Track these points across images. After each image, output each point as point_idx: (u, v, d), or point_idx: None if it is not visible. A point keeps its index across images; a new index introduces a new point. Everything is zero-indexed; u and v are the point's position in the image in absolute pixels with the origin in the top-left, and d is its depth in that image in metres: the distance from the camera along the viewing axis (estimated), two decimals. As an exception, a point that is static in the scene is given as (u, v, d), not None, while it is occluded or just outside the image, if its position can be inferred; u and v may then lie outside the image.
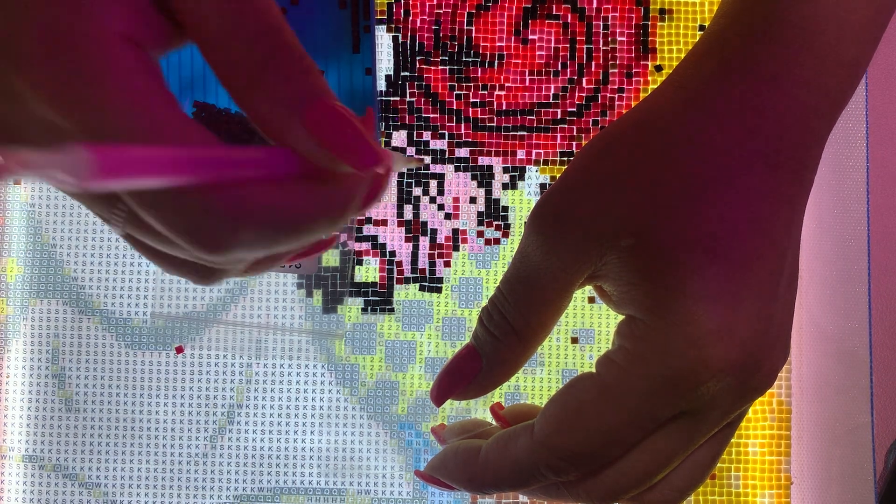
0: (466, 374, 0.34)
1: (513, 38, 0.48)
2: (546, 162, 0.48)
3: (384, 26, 0.48)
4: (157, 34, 0.25)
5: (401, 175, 0.48)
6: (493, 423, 0.39)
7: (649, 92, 0.48)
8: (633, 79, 0.48)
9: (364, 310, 0.48)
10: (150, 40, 0.25)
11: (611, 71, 0.48)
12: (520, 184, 0.48)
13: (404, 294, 0.48)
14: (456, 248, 0.48)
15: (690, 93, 0.31)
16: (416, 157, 0.47)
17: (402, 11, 0.48)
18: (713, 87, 0.31)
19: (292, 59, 0.25)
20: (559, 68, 0.48)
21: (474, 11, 0.48)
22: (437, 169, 0.48)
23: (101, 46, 0.24)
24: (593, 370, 0.31)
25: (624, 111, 0.48)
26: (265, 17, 0.25)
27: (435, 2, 0.48)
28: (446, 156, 0.48)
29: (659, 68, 0.48)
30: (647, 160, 0.30)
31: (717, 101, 0.30)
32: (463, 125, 0.48)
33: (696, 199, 0.29)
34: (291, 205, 0.25)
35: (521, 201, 0.48)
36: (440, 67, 0.48)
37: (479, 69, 0.48)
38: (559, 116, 0.48)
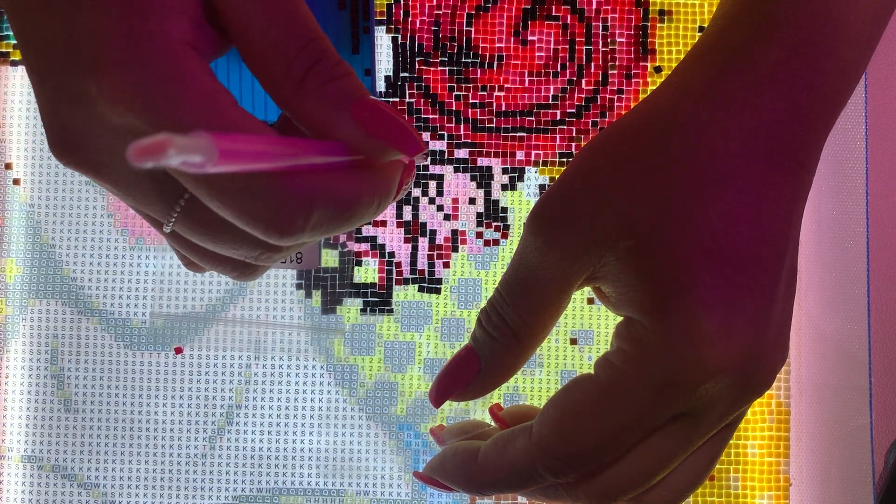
0: (465, 376, 0.34)
1: (512, 39, 0.48)
2: (545, 163, 0.48)
3: (384, 27, 0.48)
4: (209, 43, 0.28)
5: (400, 176, 0.48)
6: (492, 424, 0.39)
7: (649, 93, 0.48)
8: (633, 80, 0.48)
9: (363, 310, 0.48)
10: (204, 49, 0.28)
11: (610, 72, 0.48)
12: (519, 185, 0.48)
13: (403, 295, 0.48)
14: (455, 249, 0.48)
15: (690, 94, 0.31)
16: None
17: (401, 12, 0.48)
18: (713, 89, 0.31)
19: (335, 64, 0.28)
20: (558, 69, 0.48)
21: (474, 12, 0.48)
22: (436, 170, 0.48)
23: (172, 52, 0.26)
24: (592, 371, 0.31)
25: (623, 112, 0.48)
26: (309, 27, 0.28)
27: (434, 3, 0.48)
28: (445, 157, 0.48)
29: (658, 69, 0.48)
30: (645, 161, 0.30)
31: (717, 103, 0.30)
32: (462, 126, 0.48)
33: (695, 200, 0.29)
34: (351, 189, 0.27)
35: (521, 202, 0.48)
36: (439, 68, 0.48)
37: (479, 70, 0.48)
38: (558, 117, 0.48)
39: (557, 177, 0.32)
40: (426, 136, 0.48)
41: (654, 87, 0.47)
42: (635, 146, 0.31)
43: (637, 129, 0.31)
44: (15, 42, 0.48)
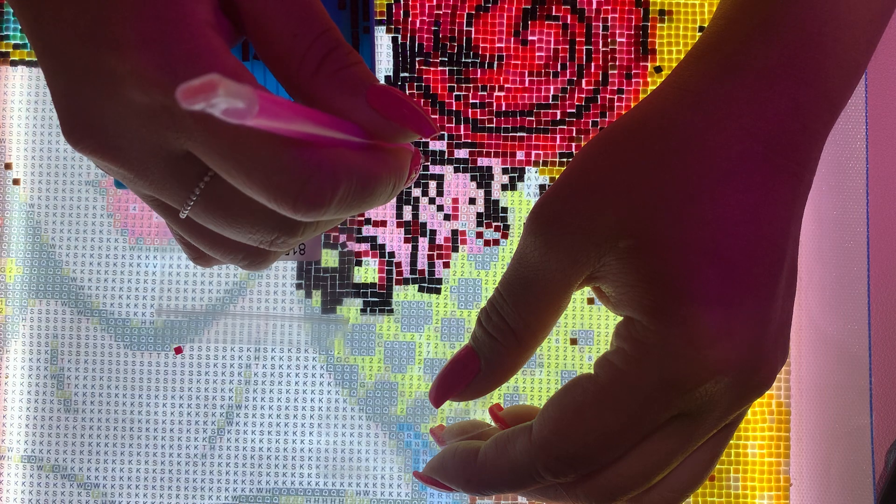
0: (465, 376, 0.34)
1: (512, 39, 0.48)
2: (545, 163, 0.48)
3: (384, 27, 0.48)
4: (224, 31, 0.28)
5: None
6: (492, 424, 0.39)
7: (648, 93, 0.48)
8: (633, 80, 0.48)
9: (363, 310, 0.48)
10: (222, 34, 0.28)
11: (610, 72, 0.48)
12: (519, 185, 0.48)
13: (403, 295, 0.48)
14: (455, 249, 0.48)
15: (690, 94, 0.31)
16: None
17: (401, 12, 0.48)
18: (713, 89, 0.31)
19: (348, 52, 0.29)
20: (559, 69, 0.48)
21: (474, 12, 0.48)
22: (436, 170, 0.48)
23: (199, 32, 0.26)
24: (592, 371, 0.31)
25: (623, 112, 0.48)
26: (323, 17, 0.29)
27: (434, 3, 0.48)
28: (445, 157, 0.48)
29: (658, 69, 0.48)
30: (645, 161, 0.30)
31: (717, 103, 0.30)
32: (462, 126, 0.48)
33: (695, 200, 0.29)
34: (372, 166, 0.28)
35: (521, 202, 0.48)
36: (439, 68, 0.48)
37: (479, 70, 0.48)
38: (558, 117, 0.48)
39: (558, 177, 0.32)
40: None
41: (654, 87, 0.47)
42: (635, 146, 0.31)
43: (637, 130, 0.31)
44: (15, 42, 0.48)
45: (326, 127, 0.26)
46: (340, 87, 0.28)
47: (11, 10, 0.48)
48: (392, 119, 0.28)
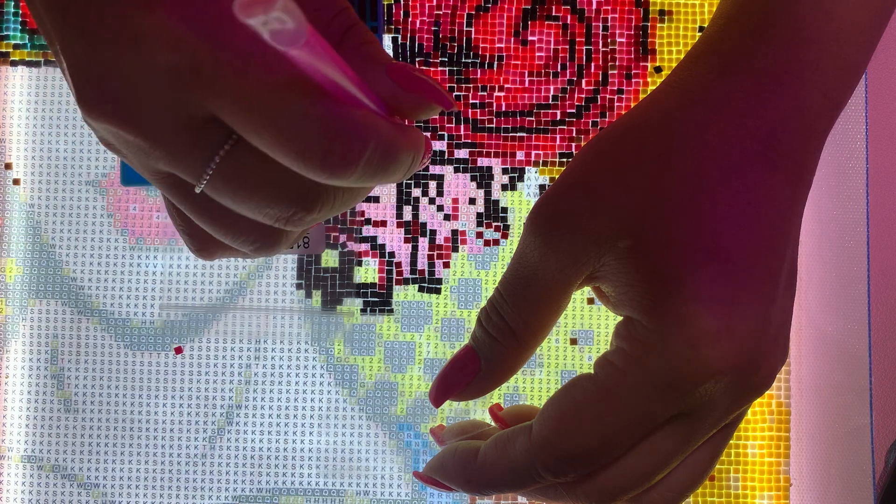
0: (465, 376, 0.34)
1: (512, 39, 0.48)
2: (545, 163, 0.48)
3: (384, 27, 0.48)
4: None
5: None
6: (492, 424, 0.39)
7: (649, 93, 0.48)
8: (633, 80, 0.48)
9: (363, 310, 0.48)
10: None
11: (610, 72, 0.48)
12: (519, 185, 0.48)
13: (403, 295, 0.48)
14: (455, 250, 0.48)
15: (690, 94, 0.31)
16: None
17: (401, 13, 0.48)
18: (713, 88, 0.31)
19: (366, 31, 0.29)
20: (558, 69, 0.48)
21: (473, 13, 0.48)
22: (436, 170, 0.48)
23: None
24: (592, 371, 0.31)
25: (623, 112, 0.48)
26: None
27: (434, 3, 0.48)
28: (445, 157, 0.48)
29: (658, 69, 0.48)
30: (645, 161, 0.30)
31: (717, 102, 0.30)
32: (462, 126, 0.48)
33: (695, 200, 0.29)
34: (397, 134, 0.28)
35: (521, 202, 0.48)
36: (440, 68, 0.48)
37: (479, 70, 0.48)
38: (558, 118, 0.48)
39: (557, 177, 0.32)
40: (426, 135, 0.48)
41: (654, 87, 0.47)
42: (635, 145, 0.31)
43: (637, 129, 0.31)
44: (15, 42, 0.48)
45: (357, 87, 0.26)
46: (362, 60, 0.28)
47: (13, 10, 0.48)
48: (413, 91, 0.29)
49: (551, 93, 0.48)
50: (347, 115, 0.26)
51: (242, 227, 0.30)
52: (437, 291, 0.48)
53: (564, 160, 0.48)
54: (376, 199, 0.48)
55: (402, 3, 0.48)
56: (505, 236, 0.48)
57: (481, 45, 0.48)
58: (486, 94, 0.48)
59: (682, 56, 0.48)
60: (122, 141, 0.28)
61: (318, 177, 0.27)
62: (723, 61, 0.31)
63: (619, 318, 0.31)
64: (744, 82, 0.30)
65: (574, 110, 0.48)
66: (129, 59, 0.26)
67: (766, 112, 0.30)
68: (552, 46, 0.48)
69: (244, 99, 0.26)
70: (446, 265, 0.48)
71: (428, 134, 0.48)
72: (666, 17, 0.48)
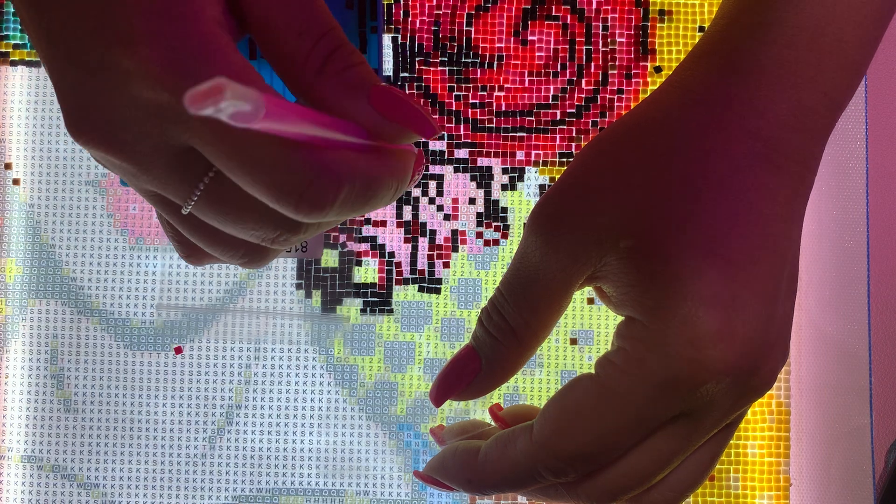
0: (466, 376, 0.34)
1: (512, 39, 0.48)
2: (545, 163, 0.48)
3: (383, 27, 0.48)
4: (230, 29, 0.28)
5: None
6: (492, 424, 0.39)
7: (649, 93, 0.48)
8: (633, 80, 0.48)
9: (363, 310, 0.48)
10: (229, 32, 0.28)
11: (610, 72, 0.48)
12: (519, 185, 0.48)
13: (403, 295, 0.48)
14: (455, 249, 0.48)
15: (691, 93, 0.31)
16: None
17: (401, 12, 0.48)
18: (715, 88, 0.31)
19: (351, 52, 0.29)
20: (558, 69, 0.48)
21: (473, 12, 0.48)
22: (436, 170, 0.48)
23: (206, 29, 0.26)
24: (592, 371, 0.31)
25: (623, 112, 0.48)
26: (326, 17, 0.29)
27: (434, 3, 0.48)
28: (445, 157, 0.48)
29: (658, 69, 0.48)
30: (647, 161, 0.30)
31: (719, 103, 0.30)
32: (462, 126, 0.48)
33: (697, 200, 0.29)
34: (375, 168, 0.28)
35: (521, 202, 0.48)
36: (439, 68, 0.48)
37: (479, 70, 0.48)
38: (558, 117, 0.48)
39: (558, 176, 0.32)
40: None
41: (655, 87, 0.47)
42: (637, 146, 0.31)
43: (639, 129, 0.31)
44: (15, 42, 0.48)
45: (331, 129, 0.26)
46: (344, 88, 0.28)
47: (13, 10, 0.48)
48: (393, 120, 0.28)
49: (551, 93, 0.48)
50: (320, 160, 0.26)
51: (231, 242, 0.32)
52: (437, 291, 0.48)
53: (564, 160, 0.48)
54: (376, 199, 0.48)
55: (402, 3, 0.48)
56: (505, 236, 0.48)
57: (481, 45, 0.48)
58: (486, 94, 0.48)
59: (682, 56, 0.48)
60: (110, 163, 0.29)
61: (294, 217, 0.27)
62: (725, 61, 0.31)
63: (620, 318, 0.31)
64: (746, 82, 0.30)
65: (574, 110, 0.48)
66: (113, 90, 0.26)
67: (767, 113, 0.30)
68: (552, 46, 0.48)
69: (218, 142, 0.26)
70: (446, 265, 0.48)
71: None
72: (666, 17, 0.48)
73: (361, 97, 0.28)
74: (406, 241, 0.48)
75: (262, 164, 0.26)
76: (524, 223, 0.33)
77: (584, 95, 0.48)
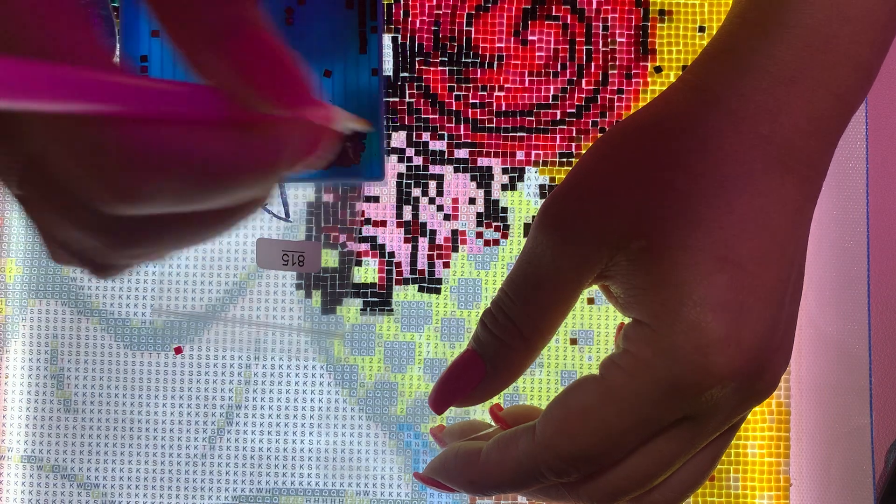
0: (469, 381, 0.33)
1: (512, 38, 0.48)
2: (545, 163, 0.48)
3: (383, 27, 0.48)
4: None
5: (399, 175, 0.48)
6: (493, 425, 0.39)
7: (649, 93, 0.48)
8: (633, 80, 0.48)
9: (363, 311, 0.48)
10: None
11: (610, 72, 0.48)
12: (519, 185, 0.48)
13: (403, 295, 0.48)
14: (455, 249, 0.48)
15: (705, 94, 0.31)
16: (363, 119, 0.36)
17: (401, 12, 0.48)
18: (728, 90, 0.31)
19: None
20: (559, 69, 0.48)
21: (473, 12, 0.48)
22: (436, 170, 0.48)
23: None
24: (592, 371, 0.31)
25: (623, 112, 0.48)
26: None
27: (434, 3, 0.48)
28: (445, 157, 0.48)
29: (658, 69, 0.48)
30: (660, 161, 0.30)
31: (733, 104, 0.30)
32: (462, 126, 0.48)
33: (709, 204, 0.29)
34: (214, 150, 0.20)
35: (521, 202, 0.48)
36: (439, 68, 0.48)
37: (479, 70, 0.48)
38: (559, 117, 0.48)
39: (557, 177, 0.32)
40: (426, 136, 0.48)
41: (655, 87, 0.47)
42: (649, 146, 0.31)
43: (651, 128, 0.31)
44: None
45: (153, 100, 0.20)
46: (199, 32, 0.21)
47: None
48: (246, 78, 0.21)
49: (551, 93, 0.48)
50: (134, 138, 0.20)
51: (70, 246, 0.24)
52: (437, 291, 0.48)
53: (564, 160, 0.48)
54: (376, 199, 0.48)
55: (402, 2, 0.48)
56: (505, 236, 0.48)
57: (481, 45, 0.48)
58: (486, 93, 0.48)
59: (682, 56, 0.48)
60: None
61: (105, 208, 0.21)
62: (738, 62, 0.31)
63: (620, 318, 0.31)
64: (760, 84, 0.30)
65: (574, 110, 0.48)
66: None
67: (781, 115, 0.30)
68: (552, 46, 0.48)
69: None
70: (446, 265, 0.48)
71: (428, 134, 0.48)
72: (666, 17, 0.48)
73: (213, 44, 0.21)
74: (406, 241, 0.48)
75: (64, 136, 0.20)
76: (531, 223, 0.32)
77: (584, 95, 0.48)
